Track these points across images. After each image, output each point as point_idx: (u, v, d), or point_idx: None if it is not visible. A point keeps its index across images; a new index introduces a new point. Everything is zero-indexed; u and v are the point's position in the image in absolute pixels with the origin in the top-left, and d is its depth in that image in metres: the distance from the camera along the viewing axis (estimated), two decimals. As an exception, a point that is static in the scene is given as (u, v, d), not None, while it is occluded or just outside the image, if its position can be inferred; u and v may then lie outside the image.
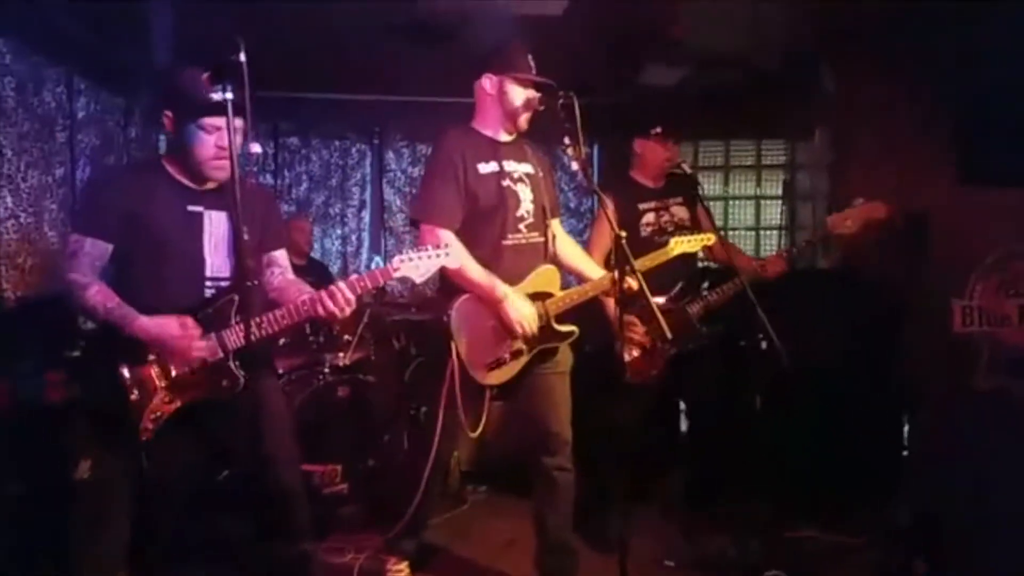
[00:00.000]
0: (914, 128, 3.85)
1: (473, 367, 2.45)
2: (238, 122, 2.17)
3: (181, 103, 2.14)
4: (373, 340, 4.12)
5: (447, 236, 2.44)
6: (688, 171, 3.14)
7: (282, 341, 3.71)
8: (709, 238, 2.85)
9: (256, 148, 2.18)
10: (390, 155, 5.32)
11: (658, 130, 3.22)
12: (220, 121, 2.11)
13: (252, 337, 2.11)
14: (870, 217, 2.89)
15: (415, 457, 2.58)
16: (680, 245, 2.76)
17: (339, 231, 5.26)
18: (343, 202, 5.27)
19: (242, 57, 1.83)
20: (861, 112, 4.10)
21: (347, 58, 4.23)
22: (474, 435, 2.50)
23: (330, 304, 2.16)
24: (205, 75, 2.12)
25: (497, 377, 2.49)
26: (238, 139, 2.20)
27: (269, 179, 5.17)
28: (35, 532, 2.50)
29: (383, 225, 5.31)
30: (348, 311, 2.19)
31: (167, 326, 2.11)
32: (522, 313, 2.45)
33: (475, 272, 2.45)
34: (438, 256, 2.24)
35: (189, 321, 2.13)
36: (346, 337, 3.89)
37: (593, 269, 2.74)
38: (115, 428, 2.15)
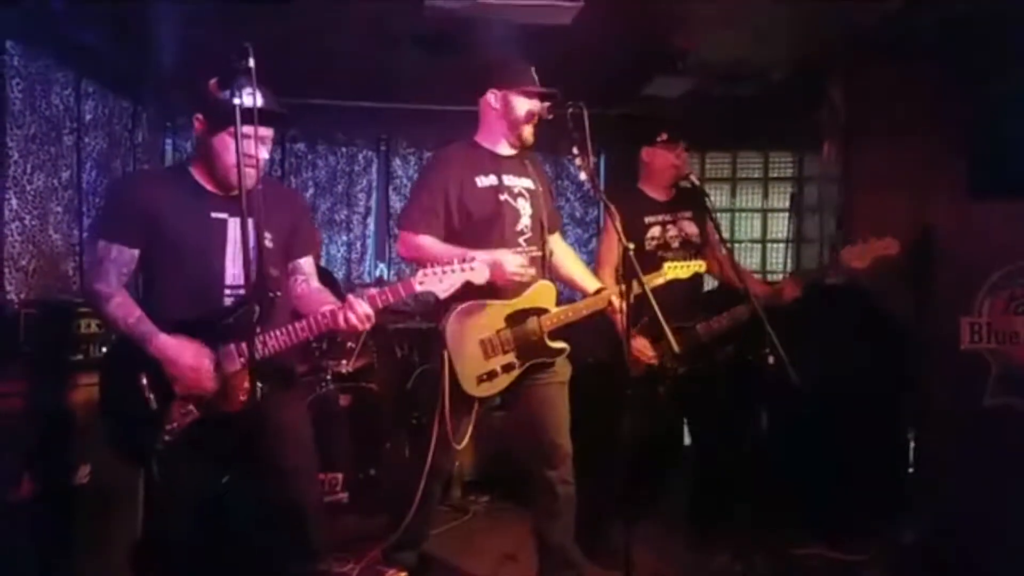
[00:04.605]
0: (923, 141, 3.84)
1: (464, 379, 2.45)
2: (268, 131, 2.18)
3: (215, 108, 2.08)
4: (376, 348, 4.11)
5: (422, 240, 2.46)
6: (696, 183, 3.10)
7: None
8: (701, 265, 2.81)
9: (263, 154, 2.17)
10: (396, 162, 5.32)
11: (663, 136, 3.17)
12: (250, 129, 2.06)
13: (271, 350, 2.11)
14: (882, 253, 2.87)
15: (416, 466, 2.56)
16: (673, 271, 2.72)
17: (344, 237, 5.25)
18: (349, 209, 5.26)
19: (251, 63, 1.83)
20: (870, 125, 4.08)
21: (354, 65, 4.23)
22: (459, 447, 2.52)
23: (352, 319, 2.11)
24: (213, 80, 2.13)
25: (487, 389, 2.50)
26: (266, 148, 2.20)
27: (275, 185, 5.16)
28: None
29: (388, 232, 5.30)
30: (368, 325, 2.14)
31: (183, 355, 2.08)
32: (506, 259, 2.40)
33: (441, 250, 2.42)
34: (463, 271, 2.17)
35: (206, 356, 2.10)
36: (349, 344, 3.87)
37: (592, 284, 2.72)
38: (132, 434, 2.13)
